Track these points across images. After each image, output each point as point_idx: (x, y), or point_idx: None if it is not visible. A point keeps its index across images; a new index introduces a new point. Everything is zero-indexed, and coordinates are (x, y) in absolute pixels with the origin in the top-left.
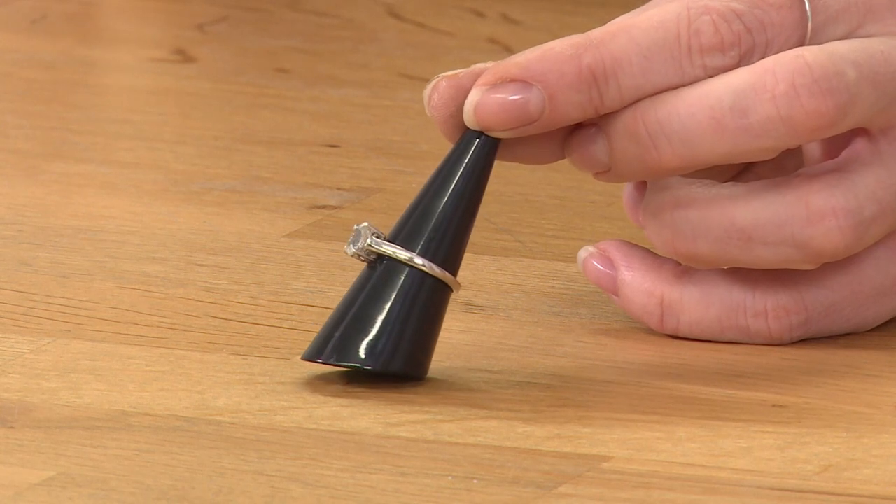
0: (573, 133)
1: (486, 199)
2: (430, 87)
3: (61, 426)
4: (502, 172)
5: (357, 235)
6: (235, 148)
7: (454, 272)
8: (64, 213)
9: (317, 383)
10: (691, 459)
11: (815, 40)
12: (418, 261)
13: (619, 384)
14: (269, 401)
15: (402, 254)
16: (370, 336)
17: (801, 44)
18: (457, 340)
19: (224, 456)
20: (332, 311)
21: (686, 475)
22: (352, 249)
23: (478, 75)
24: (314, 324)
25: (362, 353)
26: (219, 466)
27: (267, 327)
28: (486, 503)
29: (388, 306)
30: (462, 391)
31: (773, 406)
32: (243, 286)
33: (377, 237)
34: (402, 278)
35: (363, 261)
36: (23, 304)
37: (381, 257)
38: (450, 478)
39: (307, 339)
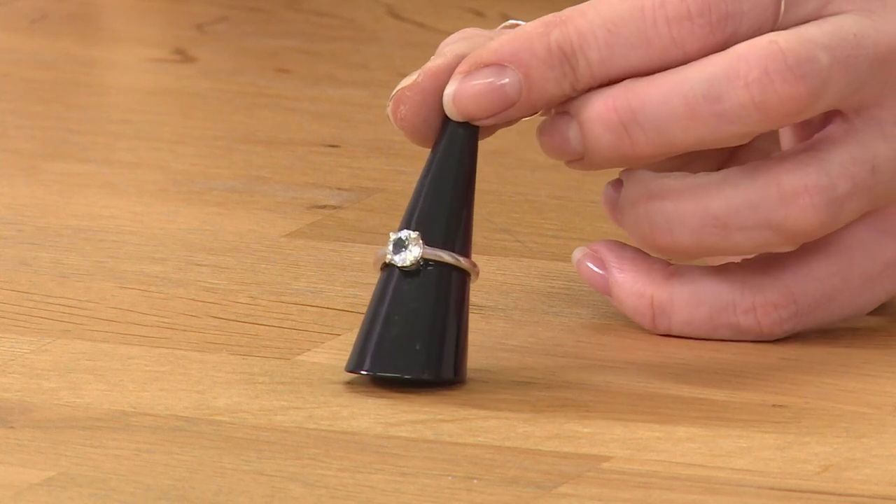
0: (546, 118)
1: (486, 198)
2: (391, 103)
3: (61, 426)
4: (502, 172)
5: (402, 244)
6: (235, 148)
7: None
8: (64, 213)
9: (317, 383)
10: (691, 459)
11: (789, 13)
12: (469, 265)
13: (619, 384)
14: (269, 401)
15: (463, 261)
16: (434, 345)
17: (777, 15)
18: None
19: (224, 456)
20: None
21: (686, 475)
22: (406, 258)
23: (433, 72)
24: (314, 324)
25: (421, 363)
26: (219, 466)
27: (267, 327)
28: (486, 503)
29: (445, 313)
30: (462, 391)
31: (773, 406)
32: (243, 286)
33: (427, 245)
34: (453, 283)
35: (406, 269)
36: (23, 304)
37: (428, 263)
38: (450, 478)
39: (307, 339)
